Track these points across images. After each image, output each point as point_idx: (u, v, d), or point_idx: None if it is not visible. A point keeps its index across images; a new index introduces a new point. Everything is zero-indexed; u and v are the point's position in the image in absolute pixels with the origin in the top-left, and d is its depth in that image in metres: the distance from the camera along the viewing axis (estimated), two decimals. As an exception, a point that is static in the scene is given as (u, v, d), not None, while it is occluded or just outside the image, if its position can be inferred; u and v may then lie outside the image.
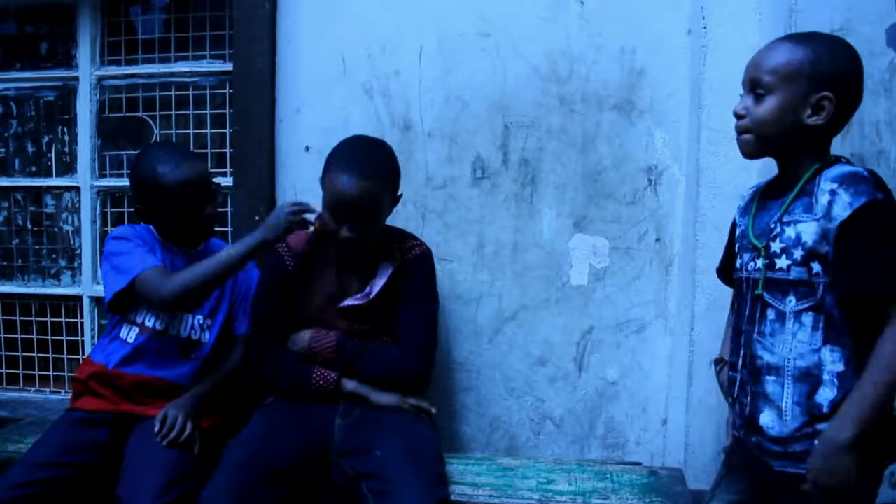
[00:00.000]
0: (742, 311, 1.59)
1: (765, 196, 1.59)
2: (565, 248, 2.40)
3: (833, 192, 1.40)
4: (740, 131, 1.53)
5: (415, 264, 2.13)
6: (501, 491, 1.98)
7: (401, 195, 2.09)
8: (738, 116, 1.52)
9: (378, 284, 2.08)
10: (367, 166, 1.96)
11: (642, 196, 2.35)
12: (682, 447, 2.31)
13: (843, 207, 1.38)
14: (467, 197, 2.43)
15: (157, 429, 1.95)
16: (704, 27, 2.19)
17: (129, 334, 2.12)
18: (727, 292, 2.16)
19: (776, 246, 1.48)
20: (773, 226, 1.50)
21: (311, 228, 2.03)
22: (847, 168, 1.44)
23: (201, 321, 2.17)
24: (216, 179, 2.68)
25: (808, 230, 1.43)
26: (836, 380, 1.43)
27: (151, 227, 2.19)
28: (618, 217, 2.37)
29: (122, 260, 2.06)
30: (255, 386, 2.16)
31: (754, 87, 1.49)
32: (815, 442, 1.42)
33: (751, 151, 1.55)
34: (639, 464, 2.31)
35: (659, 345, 2.38)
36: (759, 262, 1.51)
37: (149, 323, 2.12)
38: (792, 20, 1.95)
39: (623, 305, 2.39)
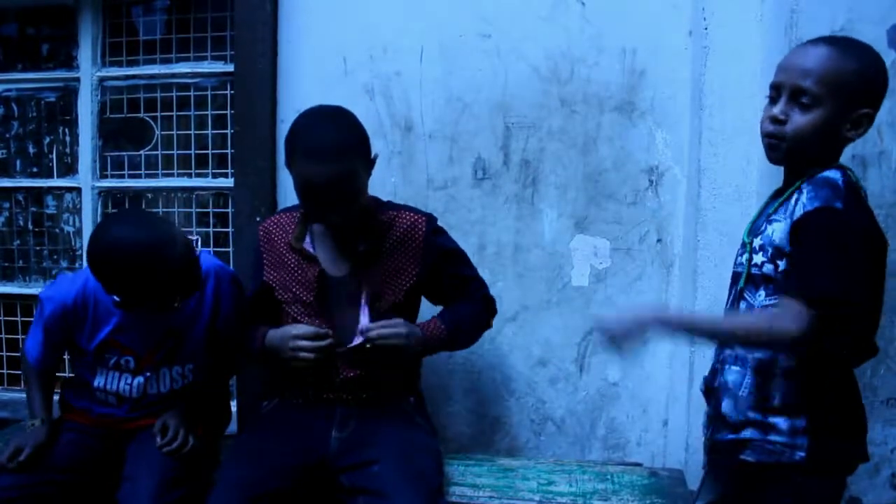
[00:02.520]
0: (726, 304, 1.62)
1: (773, 196, 1.60)
2: (566, 248, 2.40)
3: (800, 192, 1.42)
4: (775, 137, 1.46)
5: (432, 239, 2.03)
6: (502, 492, 1.98)
7: (376, 156, 1.94)
8: (777, 121, 1.44)
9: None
10: (335, 145, 1.80)
11: (643, 197, 2.35)
12: (682, 448, 2.31)
13: (801, 208, 1.40)
14: (468, 198, 2.43)
15: (158, 441, 1.91)
16: (705, 28, 2.19)
17: (107, 398, 2.03)
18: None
19: (757, 242, 1.50)
20: (761, 223, 1.52)
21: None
22: (829, 174, 1.42)
23: (180, 371, 2.05)
24: (216, 181, 2.70)
25: (779, 228, 1.45)
26: (786, 375, 1.45)
27: None
28: (619, 218, 2.37)
29: (31, 331, 2.05)
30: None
31: (798, 94, 1.42)
32: (768, 436, 1.46)
33: (779, 158, 1.49)
34: (640, 465, 2.31)
35: (660, 346, 2.38)
36: (744, 257, 1.54)
37: (124, 393, 2.01)
38: (793, 20, 1.95)
39: (624, 306, 2.39)
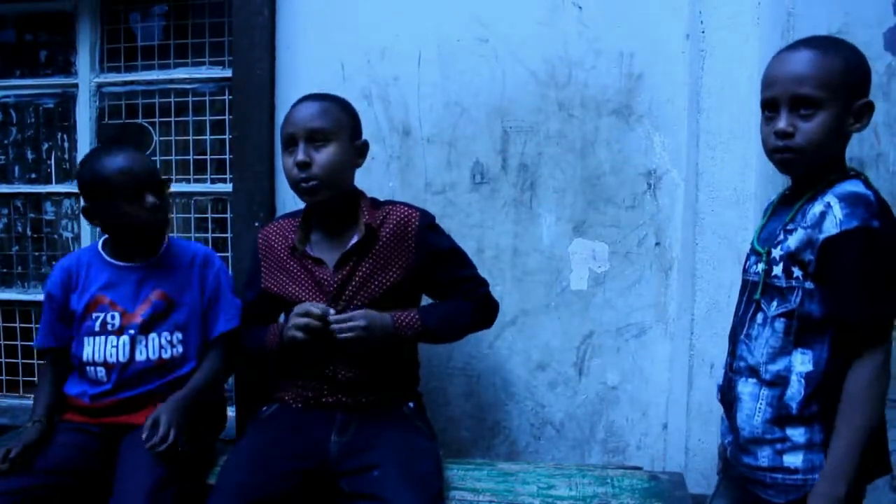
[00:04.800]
0: (738, 312, 1.61)
1: (782, 202, 1.58)
2: (565, 252, 2.40)
3: (828, 205, 1.39)
4: (787, 150, 1.44)
5: (425, 233, 2.04)
6: (502, 496, 1.97)
7: (365, 142, 2.05)
8: (786, 135, 1.43)
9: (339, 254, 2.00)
10: (321, 94, 2.02)
11: (641, 200, 2.36)
12: (682, 451, 2.30)
13: (834, 224, 1.37)
14: (466, 202, 2.43)
15: (144, 436, 1.89)
16: (703, 32, 2.19)
17: (97, 373, 2.06)
18: (727, 296, 2.18)
19: (776, 253, 1.48)
20: (778, 233, 1.49)
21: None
22: (857, 188, 1.41)
23: (169, 338, 2.08)
24: (214, 186, 2.70)
25: (796, 237, 1.44)
26: (803, 380, 1.44)
27: (97, 244, 2.17)
28: (617, 221, 2.37)
29: (41, 321, 2.16)
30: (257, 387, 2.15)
31: (798, 103, 1.42)
32: (784, 458, 1.45)
33: (795, 169, 1.49)
34: (639, 468, 2.31)
35: (659, 349, 2.39)
36: (760, 267, 1.51)
37: (111, 359, 2.05)
38: (790, 24, 1.95)
39: (623, 310, 2.39)
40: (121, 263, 2.11)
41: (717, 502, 1.73)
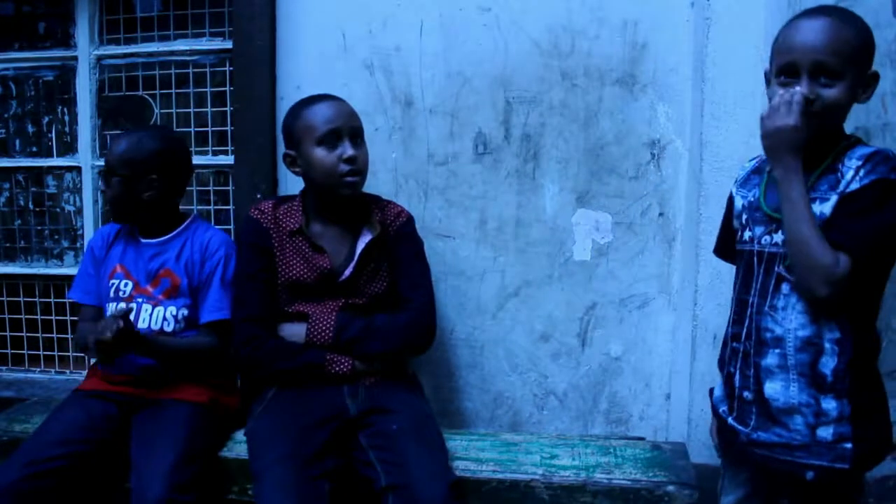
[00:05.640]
0: (750, 284, 1.57)
1: None
2: (568, 223, 2.39)
3: (857, 170, 1.42)
4: (809, 116, 1.44)
5: (406, 229, 2.16)
6: (505, 466, 1.99)
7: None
8: (809, 102, 1.43)
9: (359, 248, 2.07)
10: (337, 96, 2.12)
11: (645, 171, 2.34)
12: (685, 422, 2.31)
13: (857, 182, 1.41)
14: (469, 173, 2.42)
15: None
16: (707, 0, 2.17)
17: None
18: (730, 267, 2.17)
19: None
20: None
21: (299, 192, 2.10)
22: (871, 148, 1.45)
23: (174, 313, 2.12)
24: (216, 159, 2.69)
25: (827, 206, 1.44)
26: (835, 346, 1.45)
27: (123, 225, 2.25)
28: (621, 192, 2.36)
29: (78, 275, 2.29)
30: (249, 376, 2.16)
31: (818, 71, 1.43)
32: (818, 431, 1.46)
33: (808, 137, 1.45)
34: (642, 438, 2.32)
35: (662, 320, 2.38)
36: (779, 237, 1.50)
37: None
38: (796, -9, 1.93)
39: (626, 281, 2.38)
40: (142, 238, 2.20)
41: (728, 492, 1.71)
